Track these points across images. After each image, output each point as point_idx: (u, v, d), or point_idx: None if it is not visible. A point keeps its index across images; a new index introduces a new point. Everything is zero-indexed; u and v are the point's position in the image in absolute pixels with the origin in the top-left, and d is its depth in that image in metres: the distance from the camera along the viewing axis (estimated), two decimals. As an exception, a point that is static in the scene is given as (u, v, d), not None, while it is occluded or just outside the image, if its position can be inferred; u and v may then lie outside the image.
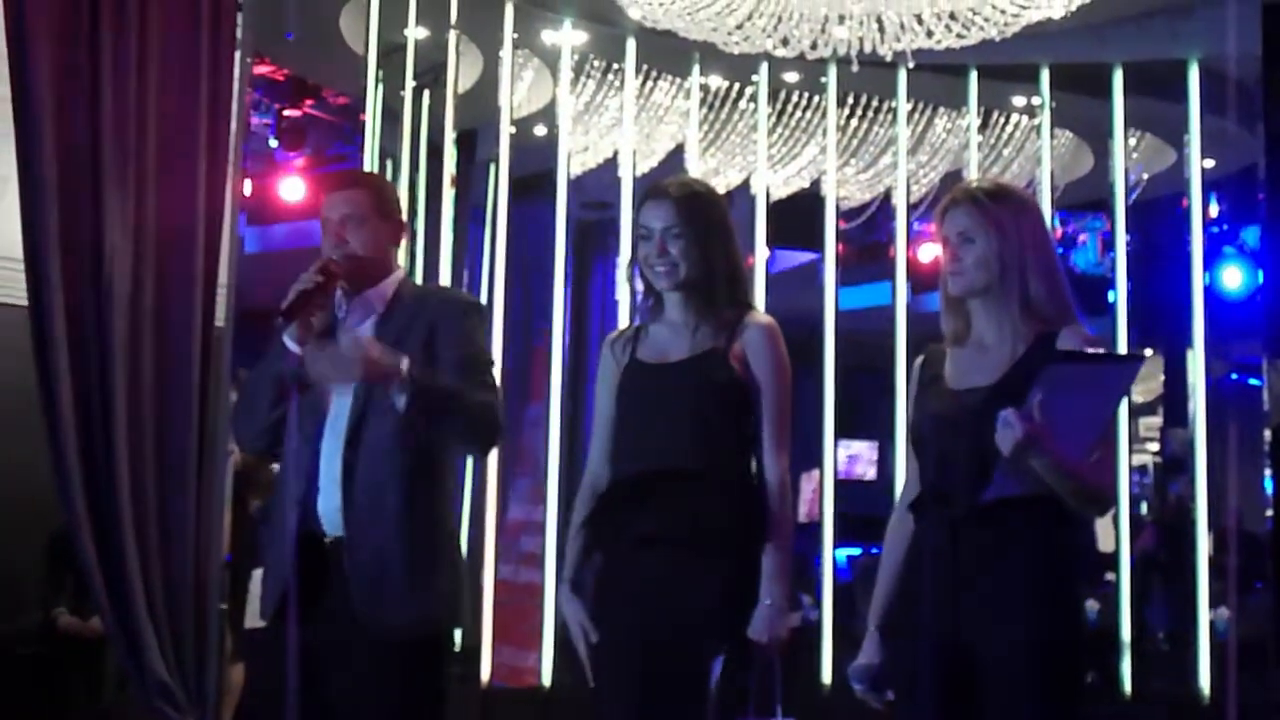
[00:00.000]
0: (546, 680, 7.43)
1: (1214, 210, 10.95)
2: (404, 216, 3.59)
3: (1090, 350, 2.91)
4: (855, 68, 6.59)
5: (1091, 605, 8.75)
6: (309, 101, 9.44)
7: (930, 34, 6.34)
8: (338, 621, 3.27)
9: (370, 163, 7.59)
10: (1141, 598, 9.31)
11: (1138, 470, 15.00)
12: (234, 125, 5.68)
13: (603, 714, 3.22)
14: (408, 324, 3.40)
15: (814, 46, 6.48)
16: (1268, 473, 7.56)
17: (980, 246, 2.98)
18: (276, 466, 3.62)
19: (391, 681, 3.27)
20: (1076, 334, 2.96)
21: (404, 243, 7.49)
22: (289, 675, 3.21)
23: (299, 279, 3.30)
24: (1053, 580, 2.92)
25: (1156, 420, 15.15)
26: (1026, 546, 2.90)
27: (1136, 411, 15.18)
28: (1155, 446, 15.47)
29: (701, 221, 3.28)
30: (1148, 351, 13.09)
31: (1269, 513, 7.61)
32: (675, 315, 3.32)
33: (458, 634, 8.19)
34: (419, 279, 7.60)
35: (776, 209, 8.87)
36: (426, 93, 8.01)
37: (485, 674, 7.35)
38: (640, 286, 3.37)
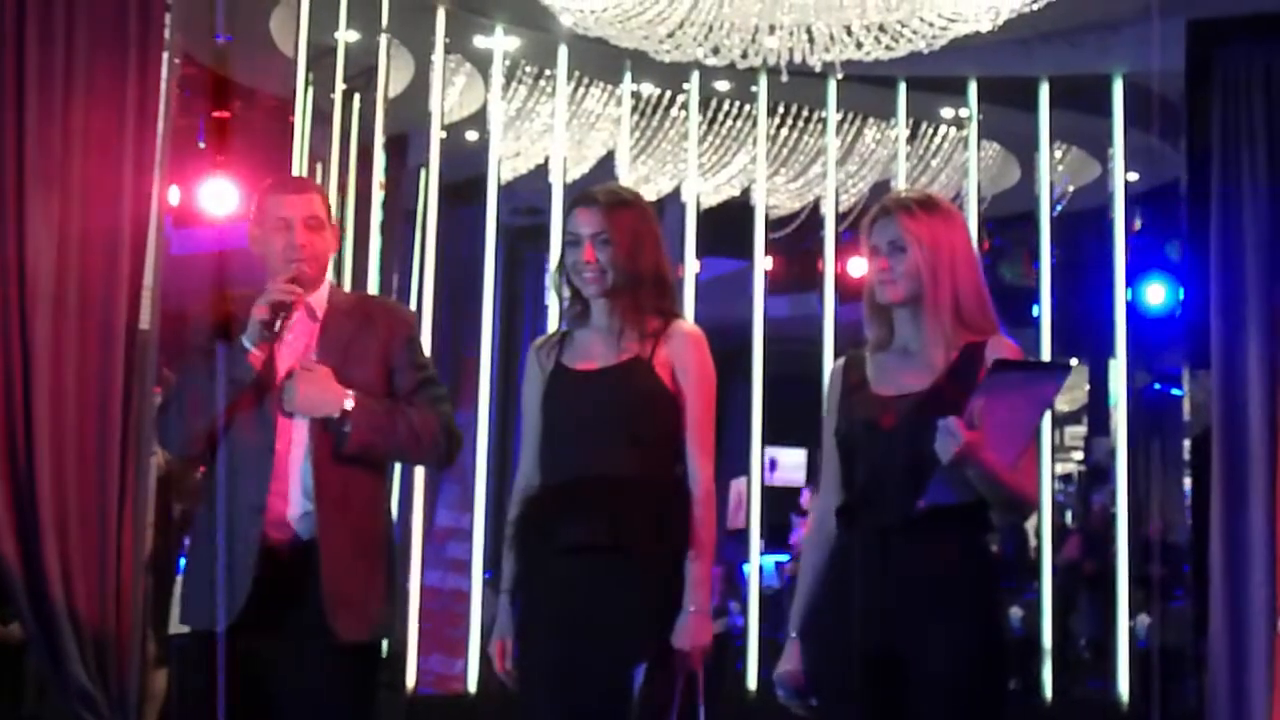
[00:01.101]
0: (473, 687, 7.41)
1: (1137, 223, 11.09)
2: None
3: (1024, 359, 2.96)
4: (784, 78, 6.63)
5: (1015, 612, 8.86)
6: (237, 103, 9.35)
7: (860, 45, 6.38)
8: (301, 629, 3.27)
9: (299, 166, 7.55)
10: (1065, 605, 9.42)
11: (1062, 479, 15.17)
12: (160, 126, 5.63)
13: None
14: (352, 334, 3.41)
15: (745, 56, 6.51)
16: (1187, 482, 7.68)
17: (912, 256, 3.00)
18: (200, 471, 3.60)
19: (348, 686, 3.31)
20: (1003, 344, 2.99)
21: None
22: (222, 683, 3.22)
23: (270, 290, 3.28)
24: (980, 587, 2.95)
25: (1081, 429, 15.33)
26: (956, 554, 2.92)
27: (1061, 420, 15.35)
28: (1080, 455, 15.66)
29: (629, 229, 3.29)
30: (1072, 361, 13.27)
31: (1189, 522, 7.72)
32: (601, 322, 3.32)
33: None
34: (348, 284, 7.56)
35: (707, 217, 8.91)
36: (357, 96, 7.98)
37: (410, 681, 7.31)
38: (567, 293, 3.38)
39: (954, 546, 2.92)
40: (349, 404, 3.29)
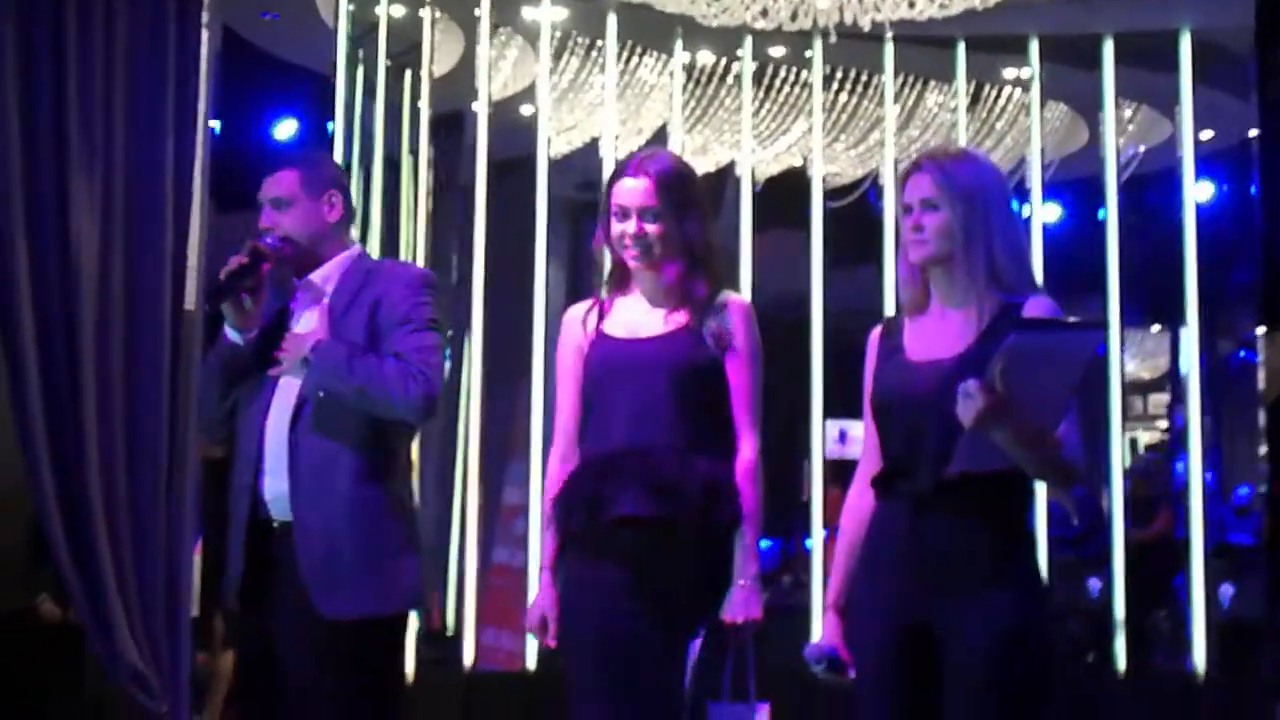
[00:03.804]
0: (531, 664, 7.37)
1: (1211, 182, 10.82)
2: (343, 193, 3.49)
3: (1051, 318, 2.82)
4: (832, 39, 6.50)
5: (1093, 583, 8.73)
6: (283, 79, 9.32)
7: (912, 4, 6.24)
8: (291, 607, 3.23)
9: (343, 142, 7.53)
10: (1150, 577, 9.24)
11: (1150, 449, 14.95)
12: (202, 105, 5.61)
13: (580, 697, 3.15)
14: (352, 300, 3.35)
15: (794, 18, 6.39)
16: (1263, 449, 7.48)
17: (945, 213, 2.89)
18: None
19: (345, 664, 3.21)
20: (1042, 303, 2.86)
21: (376, 224, 7.48)
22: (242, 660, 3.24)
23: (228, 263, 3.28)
24: (1016, 558, 2.84)
25: (1164, 397, 15.08)
26: (992, 523, 2.81)
27: (1144, 388, 15.12)
28: (1164, 424, 15.39)
29: (678, 200, 3.21)
30: (1154, 328, 13.01)
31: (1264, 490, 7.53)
32: (647, 291, 3.26)
33: (450, 617, 8.19)
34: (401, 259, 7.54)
35: (768, 186, 8.80)
36: (408, 72, 7.94)
37: (468, 658, 7.28)
38: (607, 263, 3.30)
39: (988, 515, 2.81)
40: (312, 341, 3.24)
